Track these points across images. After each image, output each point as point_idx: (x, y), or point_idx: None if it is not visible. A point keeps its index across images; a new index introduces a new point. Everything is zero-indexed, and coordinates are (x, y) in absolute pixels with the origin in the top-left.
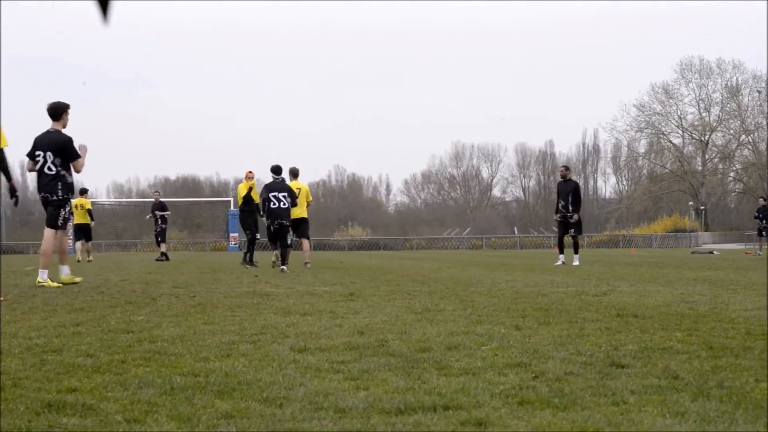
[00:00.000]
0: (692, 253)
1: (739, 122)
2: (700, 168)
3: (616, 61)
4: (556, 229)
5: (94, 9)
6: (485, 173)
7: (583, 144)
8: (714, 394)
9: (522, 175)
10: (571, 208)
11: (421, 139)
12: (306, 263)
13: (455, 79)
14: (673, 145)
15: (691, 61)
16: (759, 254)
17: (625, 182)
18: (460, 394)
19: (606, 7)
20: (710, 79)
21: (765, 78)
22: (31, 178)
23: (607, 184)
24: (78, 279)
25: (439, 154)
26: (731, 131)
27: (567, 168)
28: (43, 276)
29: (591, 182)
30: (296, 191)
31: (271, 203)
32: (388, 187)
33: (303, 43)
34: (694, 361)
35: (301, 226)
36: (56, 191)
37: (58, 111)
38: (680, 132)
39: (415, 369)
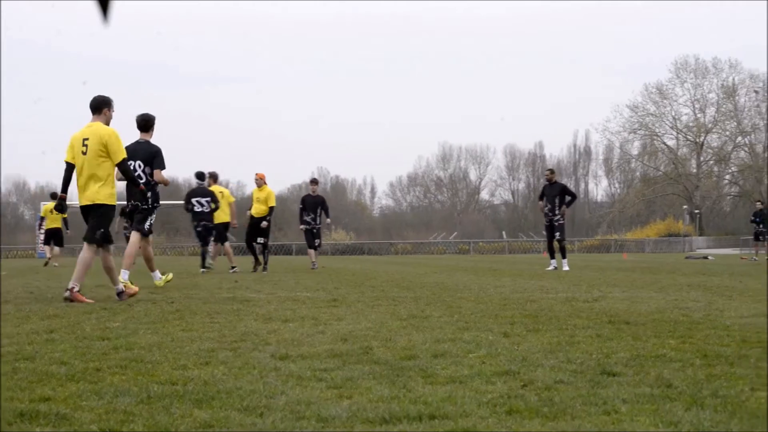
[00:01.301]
0: (686, 258)
1: (735, 123)
2: (694, 170)
3: (609, 60)
4: (545, 233)
5: (95, 9)
6: (473, 175)
7: (575, 145)
8: (708, 403)
9: (511, 177)
10: (557, 210)
11: (408, 141)
12: (233, 267)
13: (442, 78)
14: (667, 146)
15: (686, 60)
16: (755, 259)
17: (617, 185)
18: (447, 403)
19: (597, 5)
20: (706, 79)
21: (763, 78)
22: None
23: (598, 187)
24: (170, 276)
25: (425, 155)
26: (727, 132)
27: (552, 171)
28: (124, 276)
29: (582, 185)
30: (219, 195)
31: (195, 207)
32: (372, 190)
33: (286, 39)
34: (687, 370)
35: (223, 231)
36: (146, 199)
37: (148, 123)
38: (674, 133)
39: (400, 377)
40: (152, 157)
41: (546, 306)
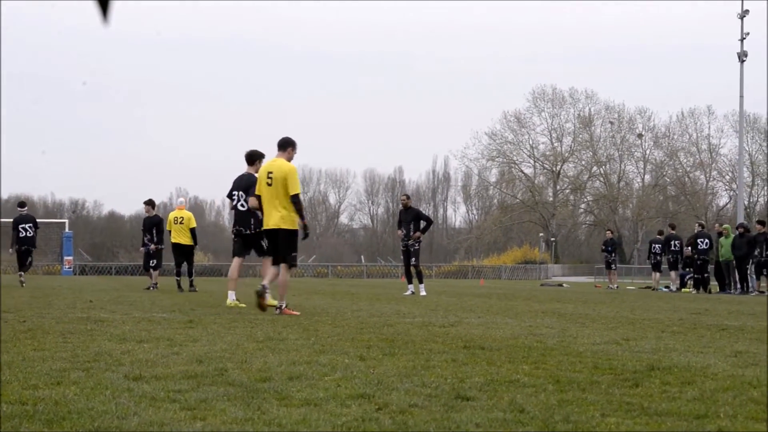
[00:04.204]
0: (541, 285)
1: (591, 153)
2: (551, 199)
3: (468, 87)
4: (402, 258)
5: (95, 9)
6: (333, 199)
7: (434, 171)
8: (560, 428)
9: (370, 202)
10: (411, 234)
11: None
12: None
13: (302, 100)
14: (525, 174)
15: (544, 89)
16: (611, 287)
17: (475, 211)
18: (301, 426)
19: (458, 31)
20: (563, 109)
21: (617, 109)
22: None
23: (457, 213)
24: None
25: None
26: (583, 162)
27: (407, 197)
28: (231, 297)
29: (441, 211)
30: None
31: (20, 233)
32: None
33: (126, 53)
34: (540, 395)
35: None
36: (249, 225)
37: (253, 158)
38: (532, 162)
39: (254, 399)
40: (250, 187)
41: (402, 330)
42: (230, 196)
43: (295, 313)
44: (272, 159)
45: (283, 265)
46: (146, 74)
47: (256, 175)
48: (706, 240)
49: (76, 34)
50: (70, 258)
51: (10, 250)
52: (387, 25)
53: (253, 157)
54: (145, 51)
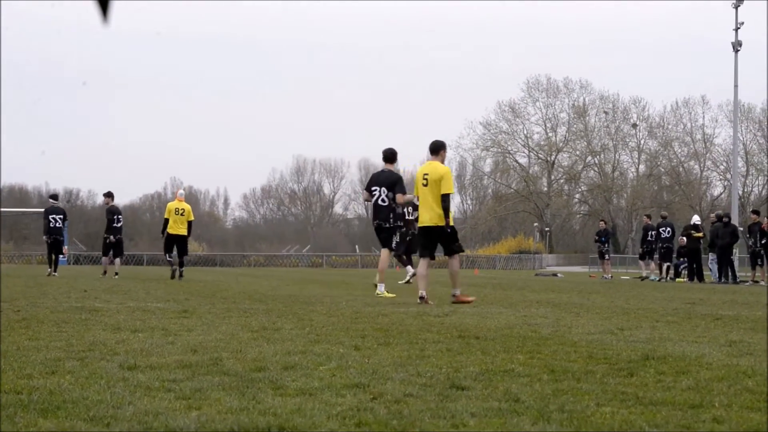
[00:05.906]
0: (536, 275)
1: (585, 143)
2: (545, 189)
3: (463, 76)
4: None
5: (95, 9)
6: (327, 189)
7: None
8: (555, 417)
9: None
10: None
11: (262, 152)
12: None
13: (297, 90)
14: (519, 164)
15: (538, 79)
16: (605, 277)
17: (469, 201)
18: (296, 415)
19: (453, 21)
20: (557, 99)
21: (612, 99)
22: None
23: (451, 204)
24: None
25: (279, 168)
26: (577, 152)
27: None
28: (381, 288)
29: None
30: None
31: (50, 222)
32: (226, 201)
33: (132, 46)
34: (535, 384)
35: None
36: (389, 219)
37: (392, 157)
38: (526, 151)
39: (249, 389)
40: (393, 183)
41: (397, 320)
42: (369, 189)
43: (469, 299)
44: (428, 162)
45: (455, 257)
46: (144, 68)
47: (395, 171)
48: (668, 228)
49: (76, 34)
50: (65, 247)
51: (44, 237)
52: (384, 15)
53: (393, 156)
54: (144, 46)
